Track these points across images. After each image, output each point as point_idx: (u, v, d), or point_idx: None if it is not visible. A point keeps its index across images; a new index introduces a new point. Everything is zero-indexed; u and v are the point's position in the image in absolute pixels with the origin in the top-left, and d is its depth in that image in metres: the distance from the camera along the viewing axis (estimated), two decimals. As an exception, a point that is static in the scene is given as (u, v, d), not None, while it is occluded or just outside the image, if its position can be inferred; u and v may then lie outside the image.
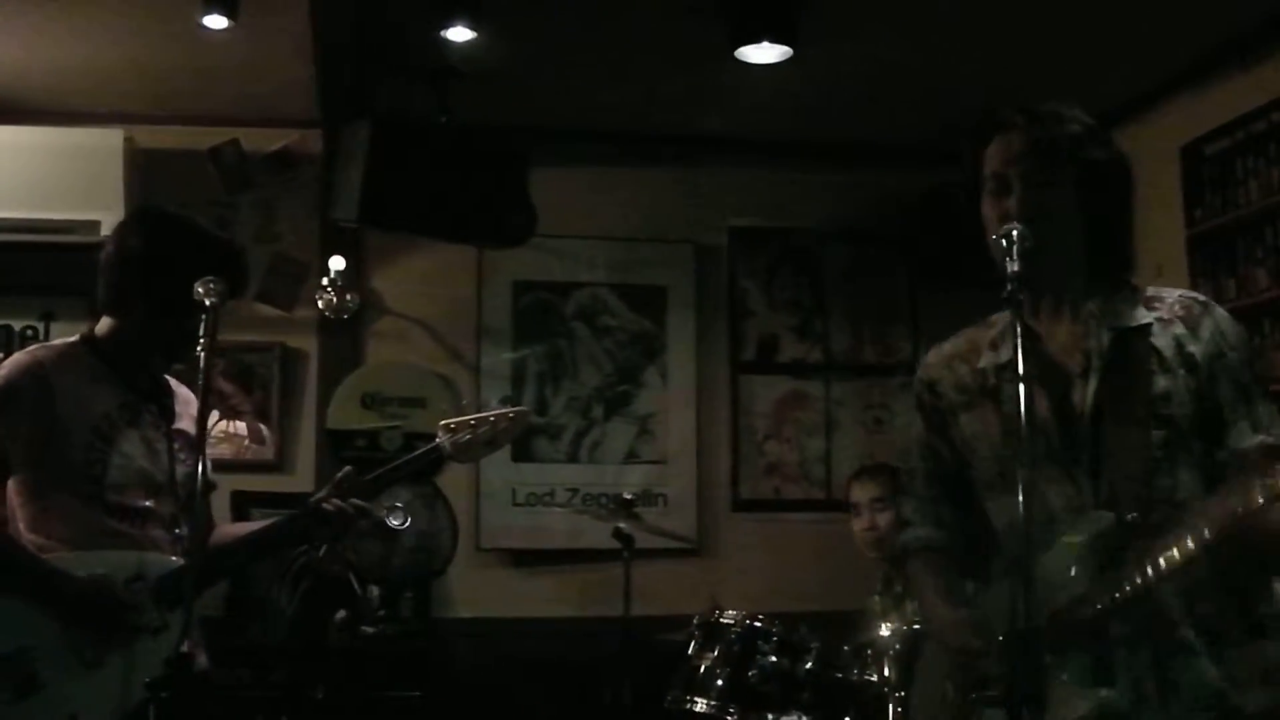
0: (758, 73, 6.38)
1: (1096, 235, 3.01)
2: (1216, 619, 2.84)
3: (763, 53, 6.14)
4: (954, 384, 3.19)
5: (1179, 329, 2.96)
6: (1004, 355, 3.06)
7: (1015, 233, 2.71)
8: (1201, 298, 3.05)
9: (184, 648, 3.11)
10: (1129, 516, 2.84)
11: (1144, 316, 2.99)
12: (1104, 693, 2.77)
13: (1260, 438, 2.88)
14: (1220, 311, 3.02)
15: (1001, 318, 3.12)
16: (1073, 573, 2.82)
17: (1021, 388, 2.56)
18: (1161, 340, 2.95)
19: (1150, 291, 3.07)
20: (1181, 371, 2.92)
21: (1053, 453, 2.93)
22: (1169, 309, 3.00)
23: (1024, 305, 2.73)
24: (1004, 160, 2.97)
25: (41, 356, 3.80)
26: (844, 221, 7.88)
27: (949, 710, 3.00)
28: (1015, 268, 2.68)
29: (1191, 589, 2.78)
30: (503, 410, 4.25)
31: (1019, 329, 2.59)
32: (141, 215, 4.00)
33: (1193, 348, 2.93)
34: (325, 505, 3.94)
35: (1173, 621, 2.81)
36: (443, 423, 4.19)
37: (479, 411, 4.27)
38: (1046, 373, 2.96)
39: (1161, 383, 2.91)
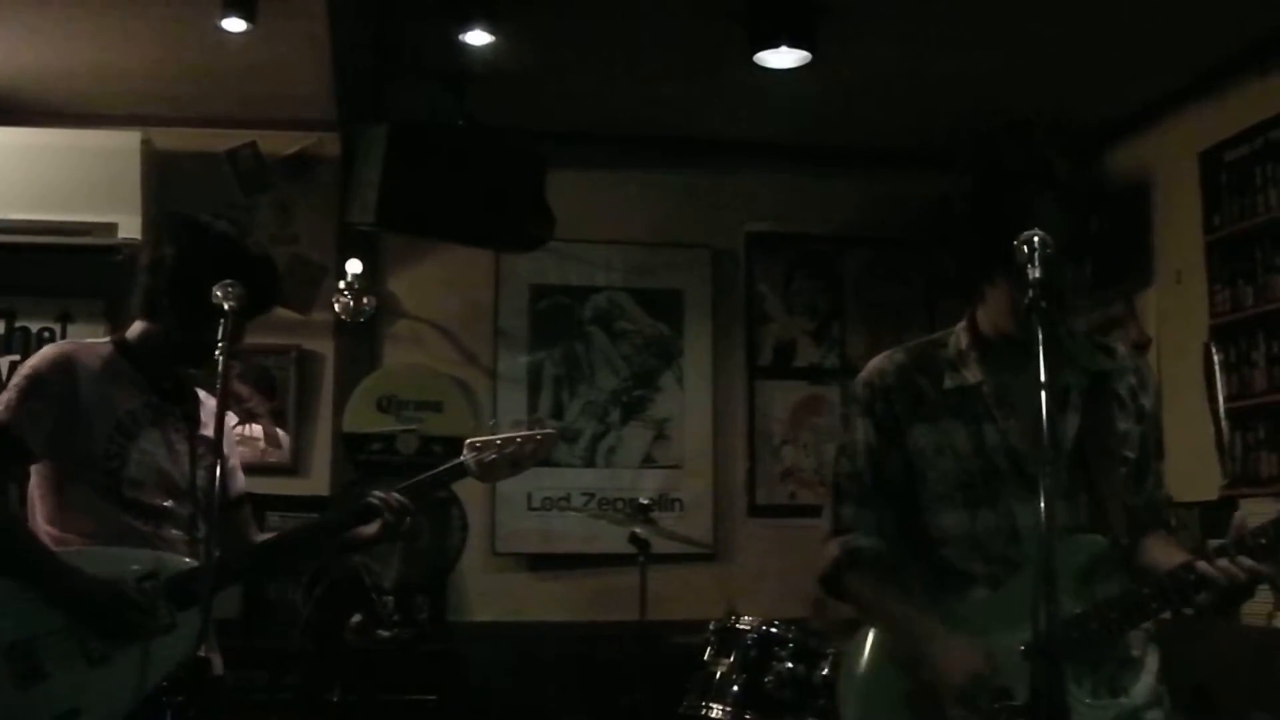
0: (776, 77, 6.37)
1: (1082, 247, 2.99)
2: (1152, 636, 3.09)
3: (781, 58, 6.14)
4: (911, 396, 3.17)
5: (1132, 380, 3.16)
6: (971, 377, 3.10)
7: (1037, 239, 2.68)
8: (1144, 358, 3.46)
9: (201, 651, 3.10)
10: (1123, 540, 3.00)
11: (1105, 363, 3.14)
12: (1123, 701, 2.92)
13: (1165, 491, 3.22)
14: (1152, 373, 3.29)
15: (953, 337, 3.19)
16: (1063, 592, 2.82)
17: (1044, 396, 2.54)
18: (1121, 387, 3.13)
19: (1099, 340, 3.27)
20: (1134, 418, 3.12)
21: (1026, 478, 2.98)
22: (1121, 360, 3.18)
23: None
24: (1063, 220, 2.84)
25: (70, 350, 3.83)
26: (861, 226, 7.88)
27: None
28: (1038, 274, 2.66)
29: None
30: (530, 432, 4.20)
31: (1041, 337, 2.57)
32: (175, 223, 4.00)
33: (1143, 399, 3.16)
34: (375, 498, 3.96)
35: (1128, 641, 3.01)
36: (469, 441, 4.16)
37: (497, 419, 4.24)
38: (1024, 404, 2.98)
39: (1122, 424, 3.09)
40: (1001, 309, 3.05)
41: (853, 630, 3.34)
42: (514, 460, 4.14)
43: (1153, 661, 3.06)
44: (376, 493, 3.99)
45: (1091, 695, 2.90)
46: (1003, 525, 3.00)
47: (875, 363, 3.29)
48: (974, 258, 3.07)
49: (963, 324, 3.18)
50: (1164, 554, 3.03)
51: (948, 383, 3.13)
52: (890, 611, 3.18)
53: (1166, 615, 2.93)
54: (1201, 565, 2.78)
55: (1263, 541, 2.77)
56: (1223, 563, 2.76)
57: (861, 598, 3.24)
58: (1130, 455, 3.08)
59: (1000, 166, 3.02)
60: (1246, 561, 2.75)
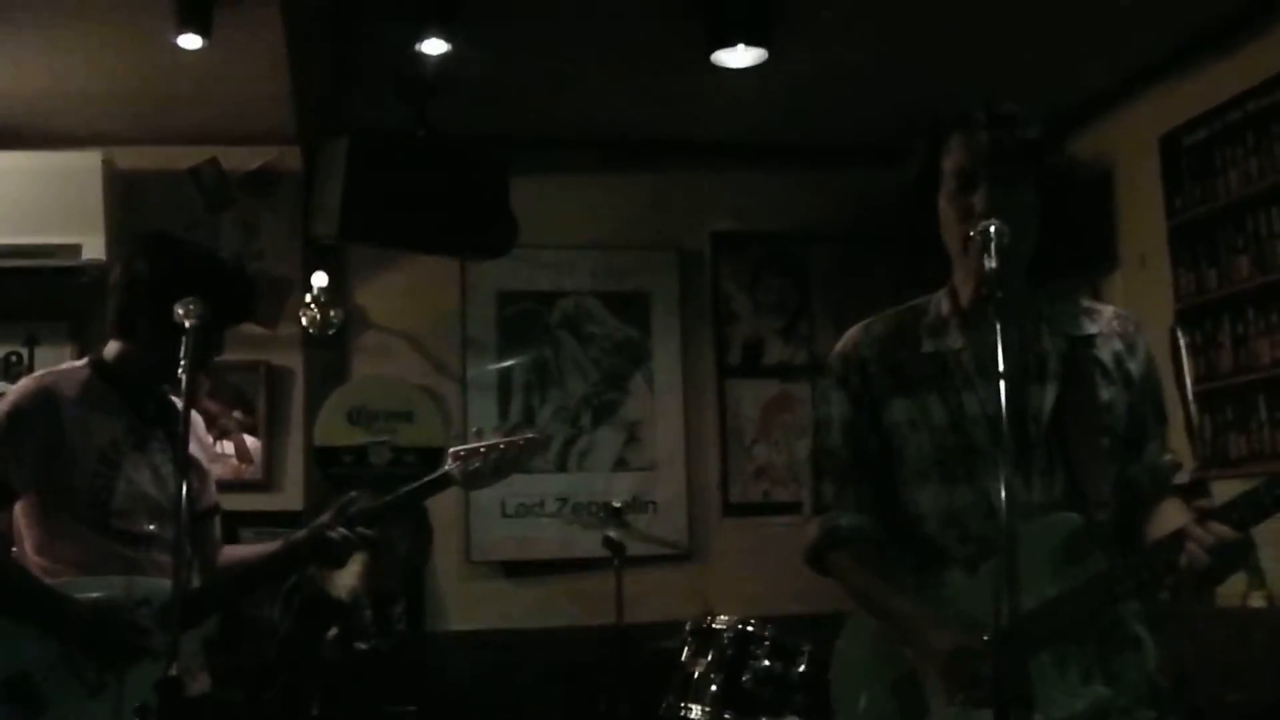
0: (734, 77, 6.39)
1: (1047, 239, 3.00)
2: (1149, 617, 3.02)
3: (738, 56, 6.15)
4: (889, 366, 3.15)
5: (1118, 344, 3.09)
6: (952, 343, 3.08)
7: (993, 229, 2.69)
8: (1133, 317, 3.18)
9: (174, 671, 3.09)
10: (1100, 517, 2.95)
11: (1089, 327, 3.09)
12: (1099, 689, 2.86)
13: (1169, 456, 3.11)
14: (1144, 335, 3.17)
15: (934, 303, 3.18)
16: (1039, 573, 2.83)
17: (1003, 385, 2.55)
18: (1104, 353, 3.06)
19: (1086, 304, 3.16)
20: (1119, 385, 3.05)
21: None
22: (1107, 324, 3.11)
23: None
24: (971, 157, 2.95)
25: (49, 382, 3.81)
26: (825, 223, 7.89)
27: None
28: (994, 264, 2.67)
29: (1142, 591, 2.91)
30: (513, 438, 4.19)
31: (999, 327, 2.58)
32: (147, 240, 4.00)
33: (1130, 364, 3.08)
34: (331, 534, 3.93)
35: (1121, 620, 2.95)
36: (452, 450, 4.14)
37: (468, 427, 4.23)
38: (1013, 364, 2.96)
39: (1105, 394, 3.02)
40: (970, 269, 3.03)
41: (836, 629, 3.33)
42: (497, 467, 4.12)
43: (1149, 642, 3.00)
44: (339, 528, 3.97)
45: (1082, 680, 2.85)
46: (980, 502, 2.97)
47: (851, 333, 3.28)
48: (921, 214, 3.08)
49: (943, 290, 3.17)
50: (1170, 518, 2.98)
51: (926, 347, 3.11)
52: (872, 592, 3.14)
53: (1141, 594, 2.89)
54: (1191, 529, 2.72)
55: (1234, 516, 2.71)
56: (1218, 529, 2.70)
57: (844, 578, 3.20)
58: (1114, 425, 3.02)
59: (931, 125, 3.07)
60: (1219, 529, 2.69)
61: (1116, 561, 2.88)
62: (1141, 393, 3.08)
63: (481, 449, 4.12)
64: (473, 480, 4.12)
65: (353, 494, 4.06)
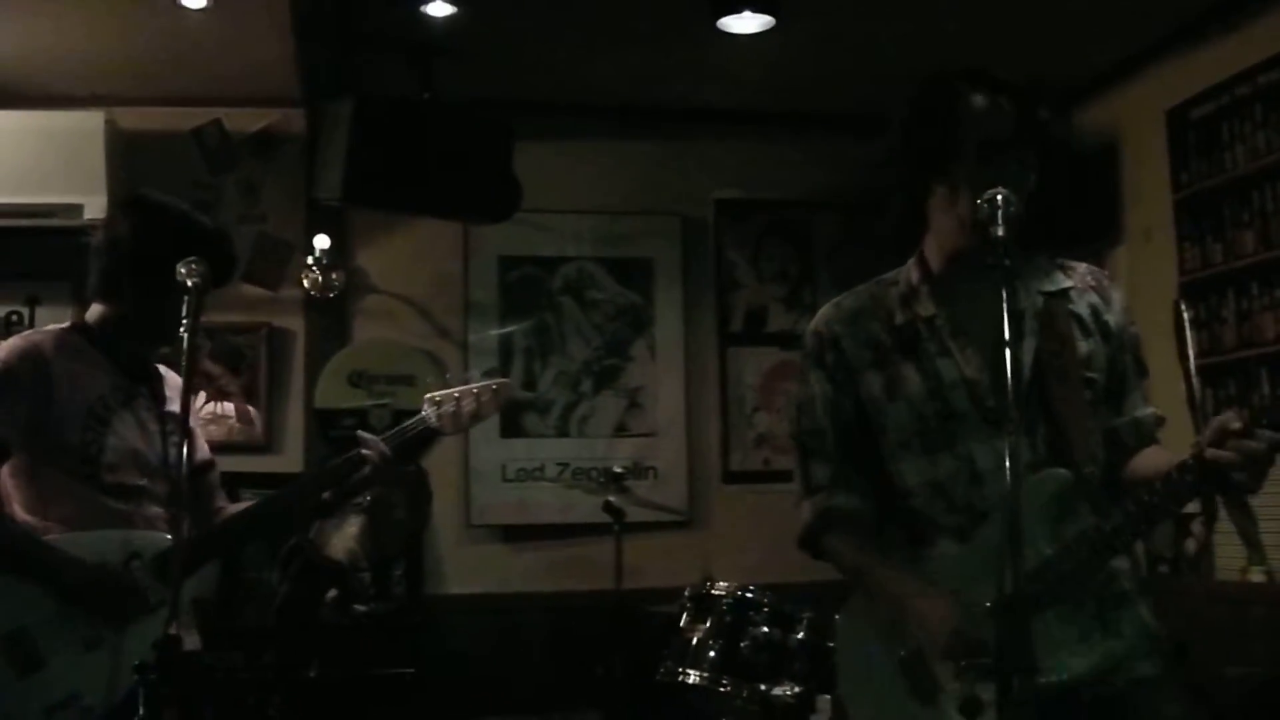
0: (741, 43, 6.37)
1: (1037, 206, 2.99)
2: (1140, 570, 3.07)
3: (744, 23, 6.13)
4: (862, 341, 3.15)
5: (1093, 297, 3.11)
6: (924, 310, 3.08)
7: (1001, 197, 2.68)
8: (1105, 272, 3.21)
9: (172, 629, 3.10)
10: (1087, 471, 2.96)
11: (1063, 281, 3.11)
12: (1110, 642, 2.89)
13: (1151, 409, 3.14)
14: (1119, 289, 3.19)
15: (903, 274, 3.18)
16: (1034, 532, 2.83)
17: (1009, 353, 2.55)
18: (1080, 306, 3.08)
19: (1058, 260, 3.17)
20: (1098, 337, 3.07)
21: (985, 411, 2.96)
22: (1081, 278, 3.14)
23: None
24: (998, 126, 2.94)
25: (37, 340, 3.82)
26: (830, 191, 7.85)
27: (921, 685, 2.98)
28: (1002, 232, 2.66)
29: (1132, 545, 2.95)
30: (486, 382, 4.24)
31: (1005, 293, 2.57)
32: (130, 202, 4.01)
33: (1107, 316, 3.10)
34: (363, 447, 3.98)
35: (1115, 575, 2.95)
36: (427, 396, 4.19)
37: (463, 384, 4.26)
38: (981, 332, 2.99)
39: (1084, 346, 3.04)
40: (947, 227, 3.05)
41: (835, 598, 3.32)
42: (473, 411, 4.16)
43: (1144, 600, 3.00)
44: (362, 433, 4.03)
45: (1080, 638, 2.86)
46: (962, 469, 2.97)
47: (823, 311, 3.28)
48: (914, 171, 3.07)
49: (912, 261, 3.17)
50: (1154, 459, 3.00)
51: (899, 318, 3.11)
52: (869, 572, 3.14)
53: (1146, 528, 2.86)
54: (1214, 453, 2.66)
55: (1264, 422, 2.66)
56: (1245, 444, 2.64)
57: (840, 559, 3.20)
58: (1095, 377, 3.03)
59: (940, 81, 3.07)
60: (1267, 434, 2.65)
61: (1112, 512, 2.86)
62: (1121, 344, 3.11)
63: (456, 394, 4.17)
64: (449, 423, 4.16)
65: (340, 458, 4.09)
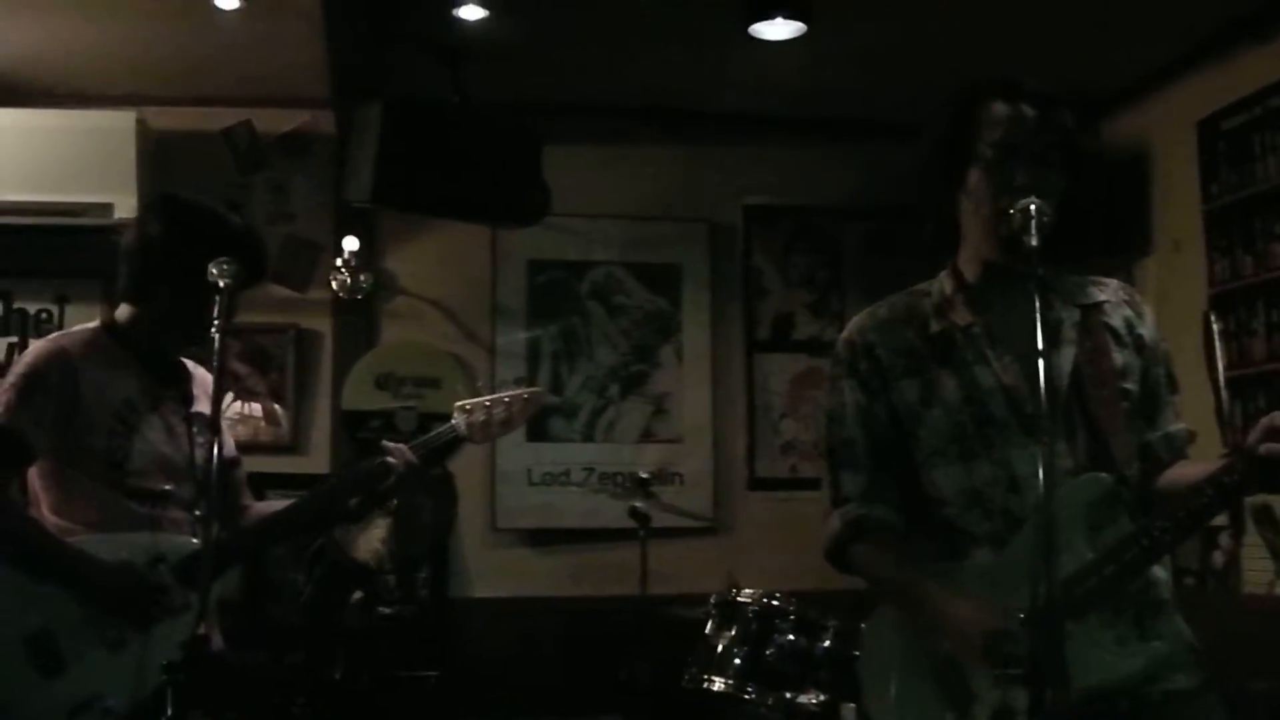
0: (772, 49, 6.36)
1: (1075, 223, 2.99)
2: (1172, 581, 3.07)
3: (776, 29, 6.13)
4: (897, 349, 3.14)
5: (1127, 311, 3.12)
6: (959, 319, 3.08)
7: (1034, 207, 2.67)
8: (1134, 289, 3.23)
9: (200, 629, 3.11)
10: (1128, 474, 2.96)
11: (1097, 295, 3.11)
12: (1155, 644, 2.89)
13: (1184, 425, 3.13)
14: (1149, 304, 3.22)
15: (937, 284, 3.18)
16: (1074, 536, 2.84)
17: (1041, 363, 2.56)
18: (1114, 319, 3.08)
19: (1090, 277, 3.17)
20: (1132, 350, 3.07)
21: (1024, 419, 2.95)
22: (1113, 293, 3.15)
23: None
24: (1016, 130, 2.95)
25: (65, 344, 3.83)
26: (858, 198, 7.85)
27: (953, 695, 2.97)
28: (1035, 243, 2.65)
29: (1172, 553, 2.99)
30: (517, 391, 4.25)
31: (1038, 303, 2.57)
32: (161, 203, 4.02)
33: (1141, 330, 3.11)
34: (389, 455, 4.00)
35: (1154, 583, 2.96)
36: (458, 404, 4.20)
37: (494, 392, 4.27)
38: (1018, 341, 2.97)
39: (1119, 358, 3.04)
40: (977, 238, 3.05)
41: (860, 606, 3.30)
42: (504, 419, 4.19)
43: (1180, 612, 3.02)
44: (387, 443, 4.03)
45: (1118, 643, 2.85)
46: (1000, 476, 2.96)
47: (857, 320, 3.27)
48: (938, 182, 3.08)
49: (945, 271, 3.17)
50: (1192, 469, 2.99)
51: (934, 327, 3.11)
52: (900, 581, 3.12)
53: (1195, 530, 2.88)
54: (1268, 447, 2.65)
55: None
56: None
57: (868, 570, 3.17)
58: (1131, 388, 3.03)
59: (965, 90, 3.08)
60: None
61: (1153, 519, 2.85)
62: (1154, 358, 3.11)
63: (486, 402, 4.20)
64: (478, 432, 4.19)
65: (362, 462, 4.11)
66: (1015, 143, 2.93)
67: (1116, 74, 7.00)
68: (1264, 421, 2.69)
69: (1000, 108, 2.98)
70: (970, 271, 3.11)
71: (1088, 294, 3.10)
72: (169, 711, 3.02)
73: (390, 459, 3.98)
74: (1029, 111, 2.96)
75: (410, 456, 4.00)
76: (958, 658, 2.92)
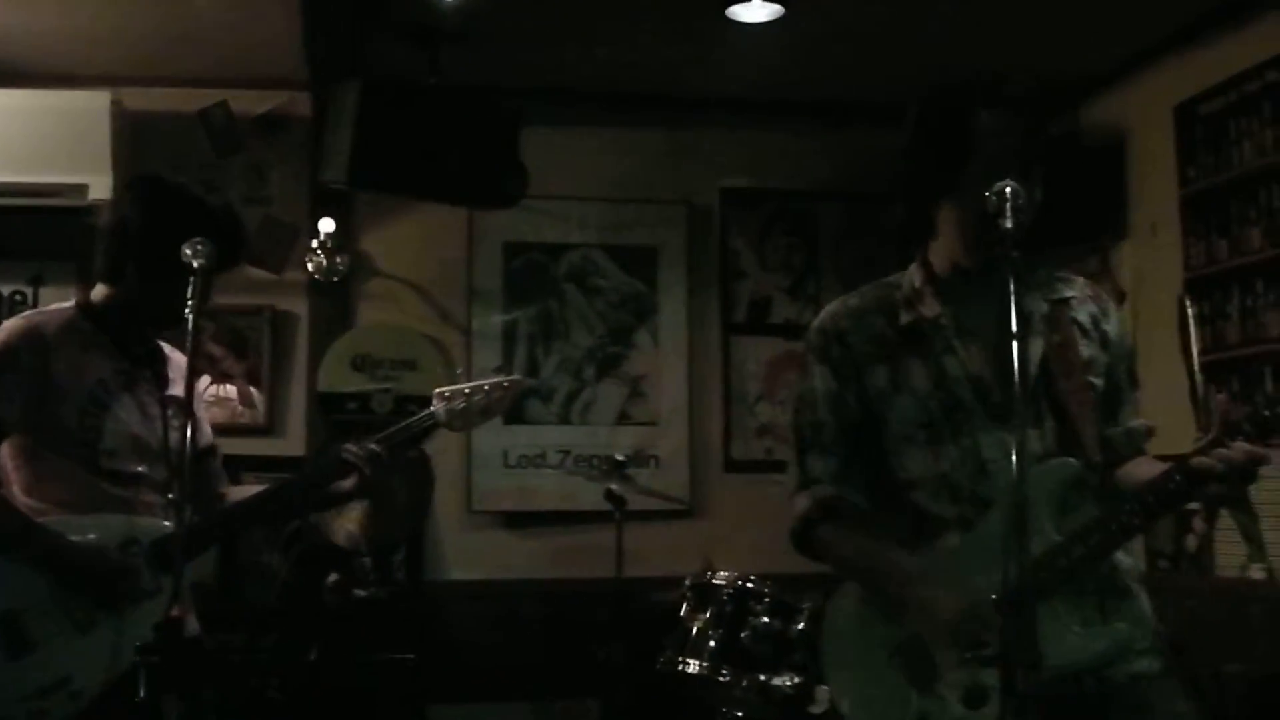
0: (750, 32, 6.36)
1: (1043, 203, 3.05)
2: (1140, 567, 3.14)
3: (754, 11, 6.15)
4: (868, 336, 3.18)
5: (1092, 307, 3.18)
6: (928, 311, 3.12)
7: (1009, 190, 2.69)
8: (1095, 285, 3.30)
9: (173, 611, 3.10)
10: (1095, 461, 3.02)
11: (1065, 290, 3.17)
12: (1119, 625, 2.96)
13: (1143, 421, 3.22)
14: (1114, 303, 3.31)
15: (906, 277, 3.22)
16: (1041, 518, 2.88)
17: (1015, 345, 2.56)
18: (1081, 314, 3.15)
19: (1058, 273, 3.24)
20: (1098, 345, 3.13)
21: (991, 406, 3.00)
22: (1080, 289, 3.21)
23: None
24: (1009, 144, 2.97)
25: (38, 321, 3.82)
26: (836, 182, 7.85)
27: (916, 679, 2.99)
28: (1009, 225, 2.67)
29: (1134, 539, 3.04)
30: (497, 379, 4.24)
31: (1011, 286, 2.58)
32: (137, 184, 4.00)
33: (1106, 326, 3.17)
34: (348, 453, 3.97)
35: (1117, 567, 3.03)
36: (437, 391, 4.19)
37: (472, 378, 4.26)
38: (986, 332, 3.02)
39: (1086, 351, 3.10)
40: (952, 239, 3.09)
41: (836, 585, 3.32)
42: (483, 408, 4.17)
43: (1144, 596, 3.07)
44: (349, 445, 4.01)
45: (1082, 624, 2.90)
46: (968, 460, 3.01)
47: (830, 308, 3.31)
48: (922, 185, 3.12)
49: (915, 264, 3.21)
50: (1147, 468, 3.05)
51: (904, 318, 3.14)
52: (867, 561, 3.15)
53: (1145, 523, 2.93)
54: (1198, 461, 2.76)
55: (1255, 421, 2.77)
56: (1220, 451, 2.74)
57: (836, 549, 3.20)
58: (1096, 382, 3.10)
59: (943, 90, 3.10)
60: (1242, 445, 2.74)
61: (1118, 505, 2.91)
62: (1118, 354, 3.18)
63: (466, 390, 4.19)
64: (457, 420, 4.17)
65: (338, 445, 4.09)
66: (1006, 160, 2.93)
67: (1094, 59, 7.00)
68: (1212, 433, 2.80)
69: (989, 122, 3.00)
70: (940, 266, 3.15)
71: (1056, 289, 3.16)
72: (142, 693, 3.01)
73: (352, 461, 3.97)
74: (1014, 123, 2.99)
75: (374, 449, 3.99)
76: (925, 638, 2.94)
